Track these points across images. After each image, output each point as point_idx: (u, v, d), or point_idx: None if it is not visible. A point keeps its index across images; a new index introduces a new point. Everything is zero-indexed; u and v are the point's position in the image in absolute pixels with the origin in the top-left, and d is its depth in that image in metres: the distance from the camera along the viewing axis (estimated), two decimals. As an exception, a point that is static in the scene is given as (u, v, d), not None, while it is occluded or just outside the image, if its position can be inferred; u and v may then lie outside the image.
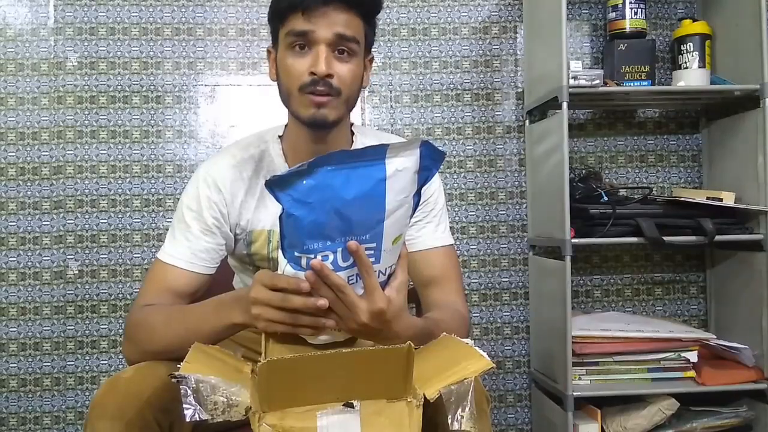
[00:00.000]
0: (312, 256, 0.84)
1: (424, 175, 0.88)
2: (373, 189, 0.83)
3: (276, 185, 0.82)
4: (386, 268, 0.89)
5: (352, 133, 1.23)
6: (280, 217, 0.84)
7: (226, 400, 0.82)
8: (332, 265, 0.85)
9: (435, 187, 1.23)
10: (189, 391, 0.80)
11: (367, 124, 1.96)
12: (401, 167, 0.84)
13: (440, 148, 0.90)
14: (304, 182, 0.81)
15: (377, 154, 0.83)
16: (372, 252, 0.85)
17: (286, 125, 1.20)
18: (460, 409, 0.82)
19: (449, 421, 0.82)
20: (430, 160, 0.87)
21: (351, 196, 0.82)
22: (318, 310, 0.86)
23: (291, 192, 0.82)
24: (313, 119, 1.08)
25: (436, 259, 1.20)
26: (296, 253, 0.85)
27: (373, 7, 1.11)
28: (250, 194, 1.16)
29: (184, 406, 0.80)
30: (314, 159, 0.81)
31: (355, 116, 1.80)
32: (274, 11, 1.10)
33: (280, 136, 1.20)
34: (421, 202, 1.21)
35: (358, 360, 0.82)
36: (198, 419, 0.80)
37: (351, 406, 0.83)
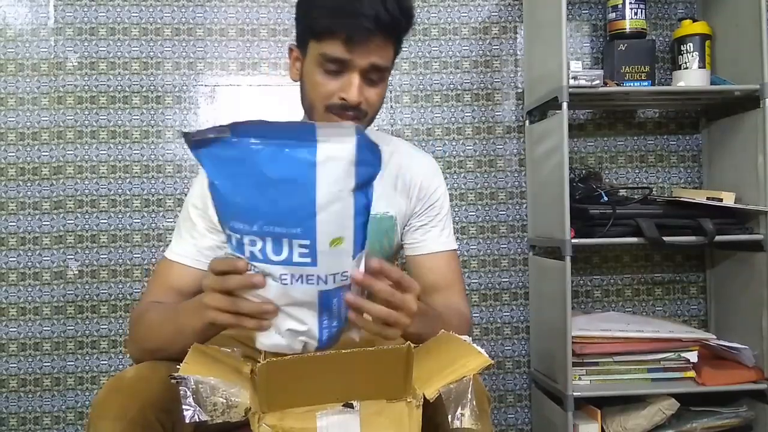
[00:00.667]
0: (239, 236, 0.80)
1: (365, 171, 0.81)
2: (301, 173, 0.77)
3: (195, 141, 0.77)
4: (327, 276, 0.81)
5: None
6: (209, 185, 0.80)
7: (225, 401, 0.82)
8: (261, 255, 0.80)
9: (441, 191, 1.25)
10: (188, 392, 0.80)
11: (371, 128, 1.95)
12: (334, 154, 0.78)
13: (370, 148, 0.80)
14: (227, 151, 0.77)
15: (307, 134, 0.77)
16: (306, 251, 0.79)
17: None
18: (460, 408, 0.82)
19: (449, 420, 0.83)
20: (369, 152, 0.80)
21: (276, 176, 0.77)
22: (254, 287, 0.82)
23: (212, 152, 0.77)
24: None
25: (440, 263, 1.21)
26: (227, 231, 0.82)
27: (406, 32, 1.10)
28: None
29: (184, 407, 0.80)
30: (237, 124, 0.77)
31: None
32: (309, 26, 1.07)
33: None
34: (427, 207, 1.22)
35: (357, 360, 0.82)
36: (197, 420, 0.80)
37: (351, 406, 0.83)
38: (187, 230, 1.15)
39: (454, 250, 1.25)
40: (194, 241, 1.14)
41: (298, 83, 1.14)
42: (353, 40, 1.02)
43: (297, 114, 1.18)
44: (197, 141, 0.78)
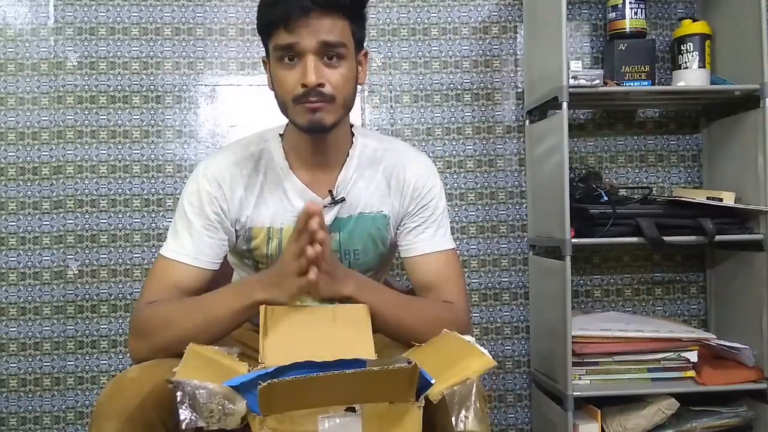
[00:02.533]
0: None
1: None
2: None
3: (241, 389, 0.82)
4: None
5: (352, 134, 1.23)
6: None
7: (222, 408, 0.81)
8: None
9: (435, 192, 1.24)
10: (185, 398, 0.80)
11: (367, 125, 1.96)
12: None
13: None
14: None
15: (355, 367, 0.82)
16: None
17: (287, 124, 1.21)
18: (464, 410, 0.82)
19: (453, 422, 0.83)
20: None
21: None
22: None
23: (254, 393, 0.81)
24: (310, 125, 1.09)
25: (433, 264, 1.21)
26: None
27: (355, 7, 1.11)
28: (249, 191, 1.17)
29: (180, 412, 0.80)
30: (279, 368, 0.82)
31: (355, 116, 1.79)
32: (259, 26, 1.12)
33: (281, 135, 1.21)
34: (419, 207, 1.22)
35: (362, 380, 0.81)
36: (193, 427, 0.80)
37: (353, 410, 0.82)
38: (183, 228, 1.15)
39: (450, 249, 1.23)
40: (192, 239, 1.14)
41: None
42: (294, 21, 1.04)
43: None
44: (242, 388, 0.82)
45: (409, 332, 1.10)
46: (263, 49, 2.01)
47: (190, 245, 1.13)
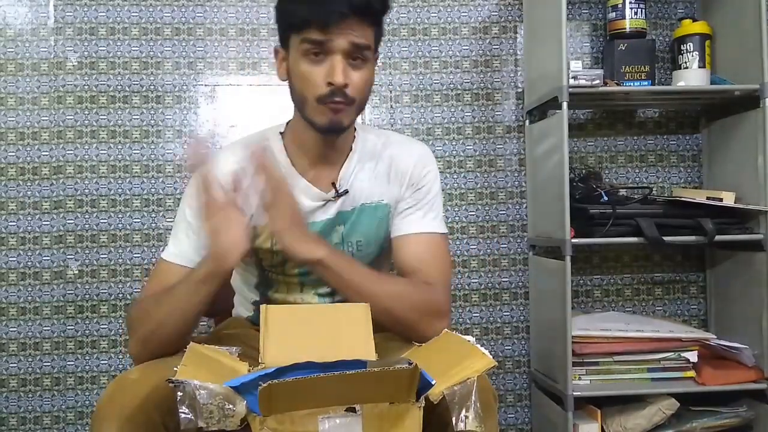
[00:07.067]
0: None
1: None
2: None
3: (241, 389, 0.82)
4: None
5: (354, 129, 1.24)
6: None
7: (222, 409, 0.81)
8: None
9: (431, 177, 1.24)
10: (185, 398, 0.80)
11: (367, 124, 1.96)
12: None
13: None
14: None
15: (355, 368, 0.82)
16: None
17: (288, 122, 1.22)
18: (464, 410, 0.82)
19: (454, 422, 0.83)
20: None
21: None
22: None
23: (255, 394, 0.81)
24: (330, 126, 1.10)
25: (418, 245, 1.20)
26: None
27: (384, 13, 1.14)
28: (252, 190, 1.17)
29: (180, 411, 0.80)
30: (280, 368, 0.82)
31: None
32: (287, 18, 1.11)
33: (281, 133, 1.22)
34: (414, 191, 1.23)
35: (363, 380, 0.81)
36: (192, 427, 0.80)
37: (353, 410, 0.82)
38: (182, 230, 1.16)
39: (438, 234, 1.22)
40: (189, 240, 1.14)
41: (287, 83, 1.15)
42: (329, 24, 1.05)
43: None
44: (241, 388, 0.82)
45: (382, 310, 1.08)
46: (264, 48, 2.01)
47: (188, 247, 1.14)
